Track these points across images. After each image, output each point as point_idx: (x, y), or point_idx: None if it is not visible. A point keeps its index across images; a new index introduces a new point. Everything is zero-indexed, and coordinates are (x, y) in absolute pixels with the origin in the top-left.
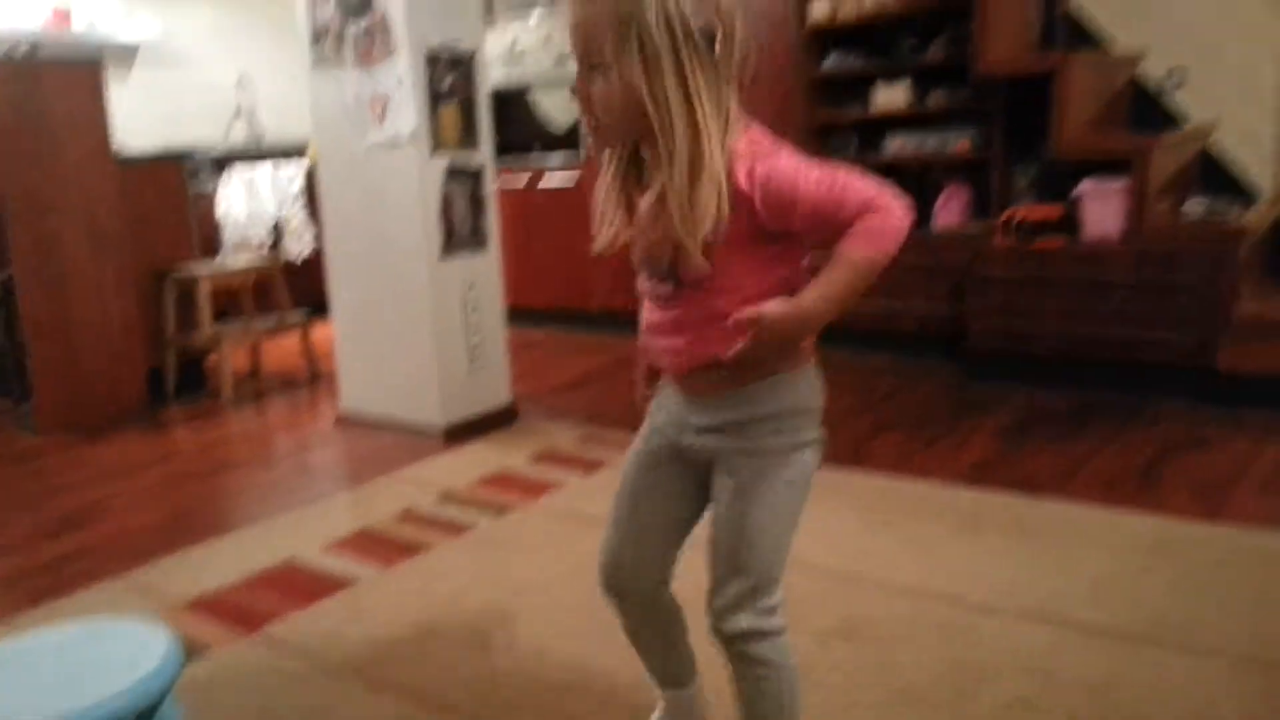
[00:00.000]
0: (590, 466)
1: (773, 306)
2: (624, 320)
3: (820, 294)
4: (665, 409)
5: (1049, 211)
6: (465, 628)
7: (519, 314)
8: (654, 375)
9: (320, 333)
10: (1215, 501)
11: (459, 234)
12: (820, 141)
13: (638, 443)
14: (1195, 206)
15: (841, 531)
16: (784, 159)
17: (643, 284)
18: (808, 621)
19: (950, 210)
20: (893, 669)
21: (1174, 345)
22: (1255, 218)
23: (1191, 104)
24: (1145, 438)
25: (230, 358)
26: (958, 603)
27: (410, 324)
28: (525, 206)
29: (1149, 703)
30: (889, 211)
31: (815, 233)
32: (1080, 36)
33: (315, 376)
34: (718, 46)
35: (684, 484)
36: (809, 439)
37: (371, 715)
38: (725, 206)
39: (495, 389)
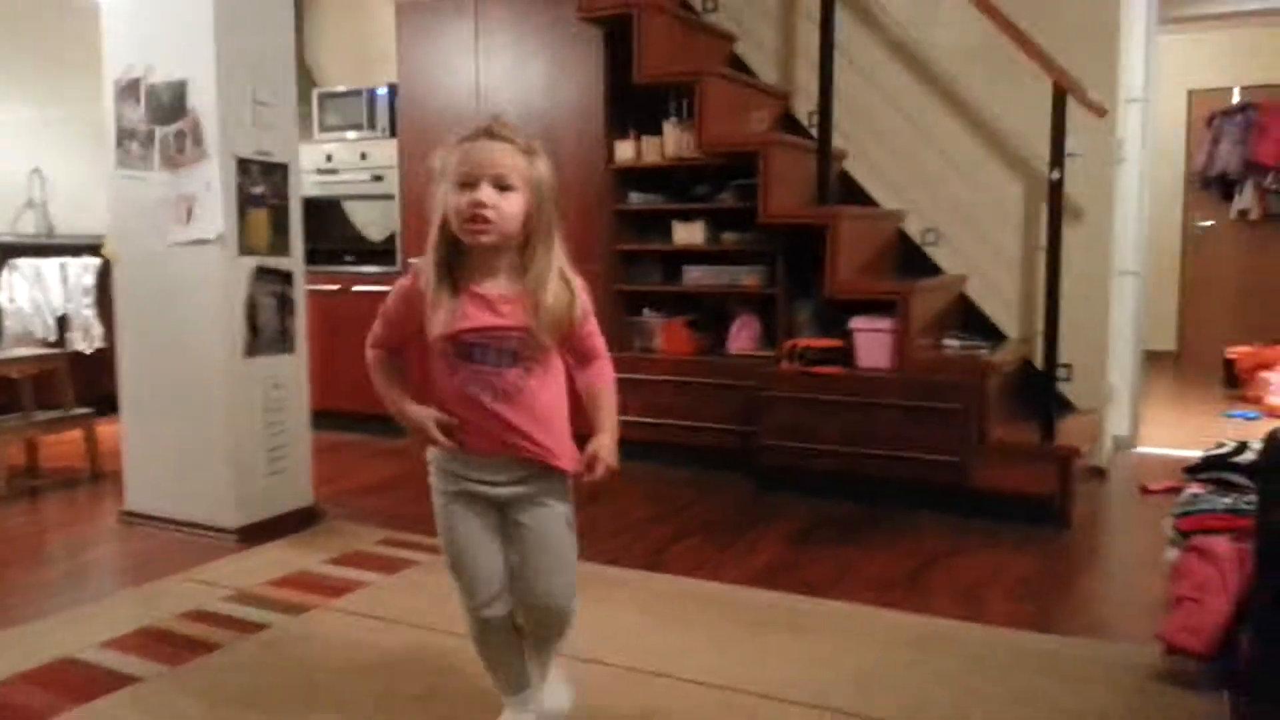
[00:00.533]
0: (393, 566)
1: (605, 443)
2: None
3: (614, 421)
4: (459, 467)
5: (828, 343)
6: None
7: (328, 416)
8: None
9: (106, 430)
10: (973, 604)
11: (265, 334)
12: (625, 269)
13: (444, 499)
14: (952, 343)
15: (640, 629)
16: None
17: (461, 370)
18: (608, 712)
19: (743, 338)
20: None
21: (935, 464)
22: (1004, 355)
23: (950, 257)
24: (912, 545)
25: (4, 453)
26: (741, 693)
27: (208, 422)
28: (338, 310)
29: None
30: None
31: (575, 353)
32: (854, 195)
33: (98, 475)
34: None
35: (494, 522)
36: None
37: None
38: (576, 312)
39: (296, 490)
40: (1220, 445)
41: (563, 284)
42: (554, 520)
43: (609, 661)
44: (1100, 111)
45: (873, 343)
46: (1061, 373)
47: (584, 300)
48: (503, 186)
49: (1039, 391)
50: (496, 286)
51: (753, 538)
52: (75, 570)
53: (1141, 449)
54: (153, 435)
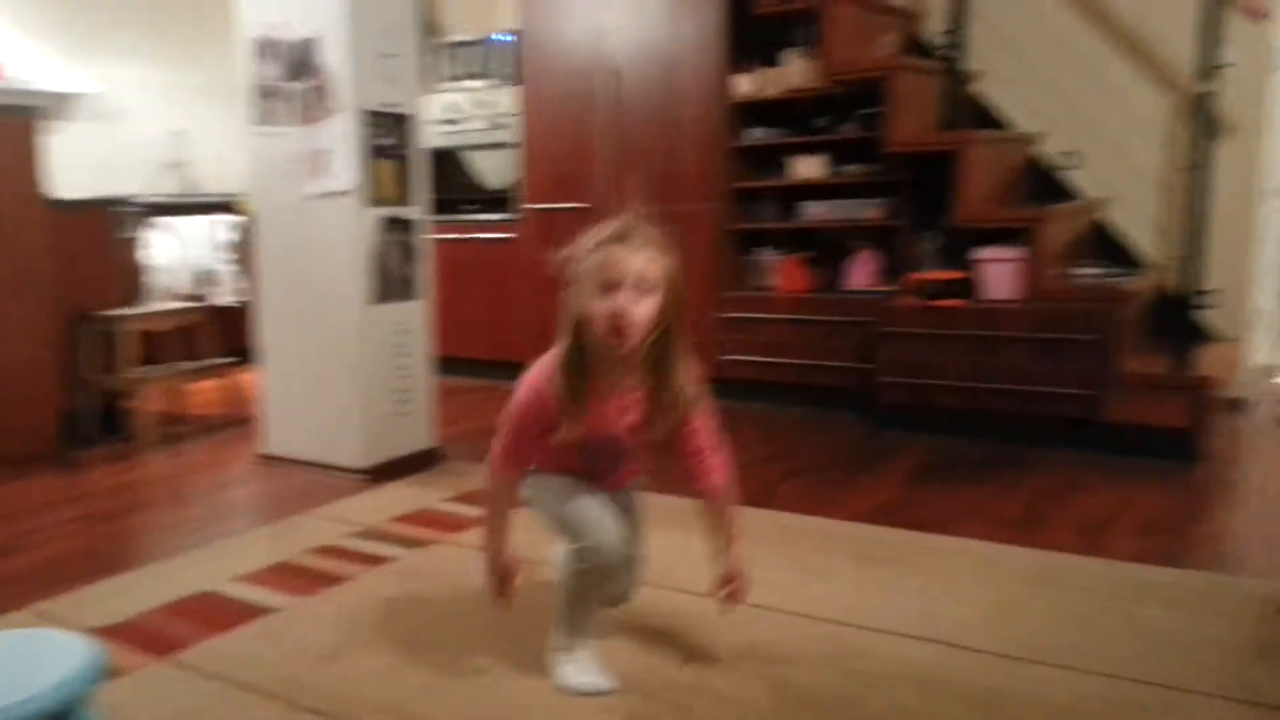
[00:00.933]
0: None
1: (741, 558)
2: None
3: (740, 527)
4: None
5: (952, 275)
6: (384, 652)
7: (450, 363)
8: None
9: (245, 380)
10: (1094, 539)
11: (390, 282)
12: (742, 206)
13: (560, 478)
14: (1087, 272)
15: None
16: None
17: (582, 458)
18: (712, 644)
19: (862, 273)
20: (787, 682)
21: (1064, 398)
22: (1141, 284)
23: (1086, 182)
24: (1036, 482)
25: (151, 401)
26: (850, 625)
27: (339, 368)
28: (459, 259)
29: (1028, 712)
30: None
31: (691, 442)
32: (983, 120)
33: (239, 421)
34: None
35: None
36: None
37: (280, 716)
38: (697, 404)
39: (420, 432)
40: None
41: (688, 378)
42: (642, 501)
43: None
44: (1259, 14)
45: (1000, 274)
46: (1203, 299)
47: (701, 389)
48: (643, 290)
49: (1178, 320)
50: (624, 388)
51: (867, 477)
52: (214, 509)
53: None
54: (288, 382)
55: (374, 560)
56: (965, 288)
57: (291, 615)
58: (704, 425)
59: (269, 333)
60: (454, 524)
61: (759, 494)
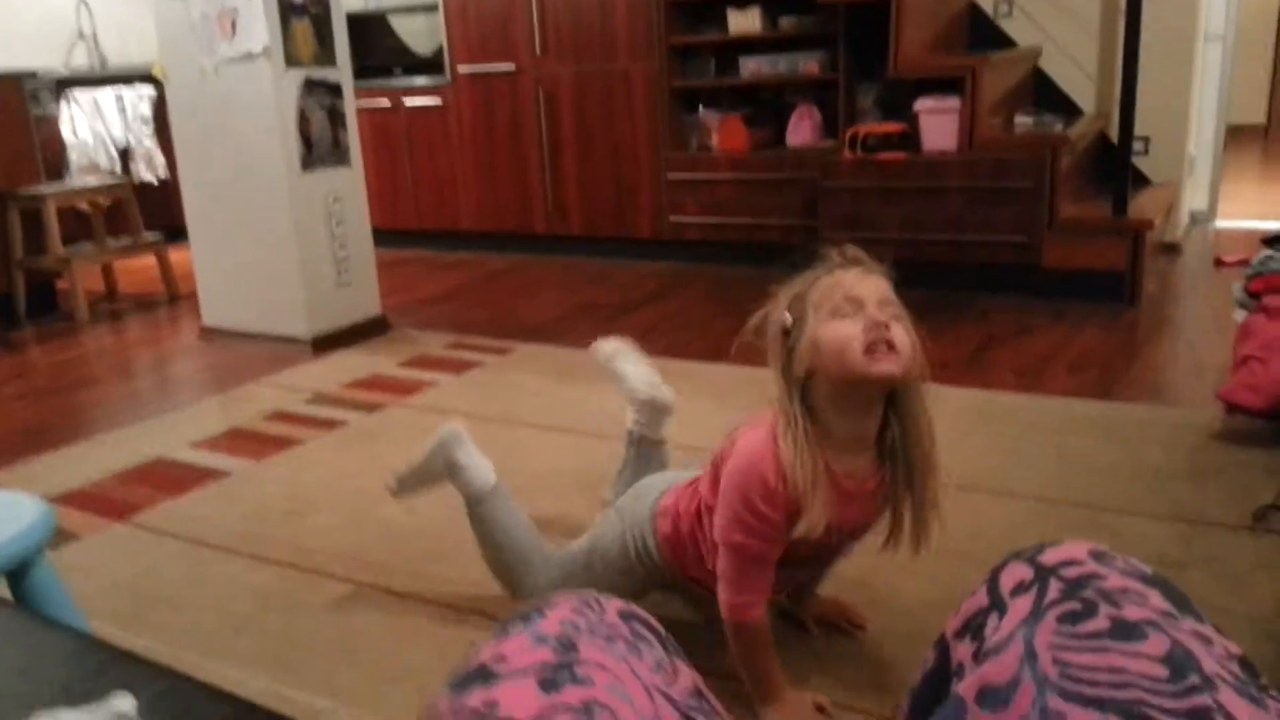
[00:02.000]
0: (461, 367)
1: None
2: (490, 238)
3: None
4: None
5: (891, 128)
6: (339, 508)
7: (385, 234)
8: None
9: (177, 257)
10: (1032, 379)
11: (319, 148)
12: (680, 62)
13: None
14: (1024, 120)
15: (705, 413)
16: None
17: (794, 564)
18: None
19: (802, 129)
20: None
21: (1004, 245)
22: (1078, 130)
23: (1023, 28)
24: (977, 327)
25: (82, 279)
26: None
27: (273, 238)
28: (389, 127)
29: (965, 535)
30: None
31: None
32: None
33: (174, 297)
34: None
35: None
36: None
37: (252, 583)
38: None
39: (364, 301)
40: None
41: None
42: None
43: (679, 442)
44: None
45: (938, 125)
46: (1138, 146)
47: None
48: (894, 315)
49: (1114, 167)
50: (863, 462)
51: None
52: (162, 382)
53: (1220, 223)
54: (222, 254)
55: (327, 424)
56: (905, 140)
57: (247, 477)
58: None
59: (195, 206)
60: (405, 387)
61: (712, 350)
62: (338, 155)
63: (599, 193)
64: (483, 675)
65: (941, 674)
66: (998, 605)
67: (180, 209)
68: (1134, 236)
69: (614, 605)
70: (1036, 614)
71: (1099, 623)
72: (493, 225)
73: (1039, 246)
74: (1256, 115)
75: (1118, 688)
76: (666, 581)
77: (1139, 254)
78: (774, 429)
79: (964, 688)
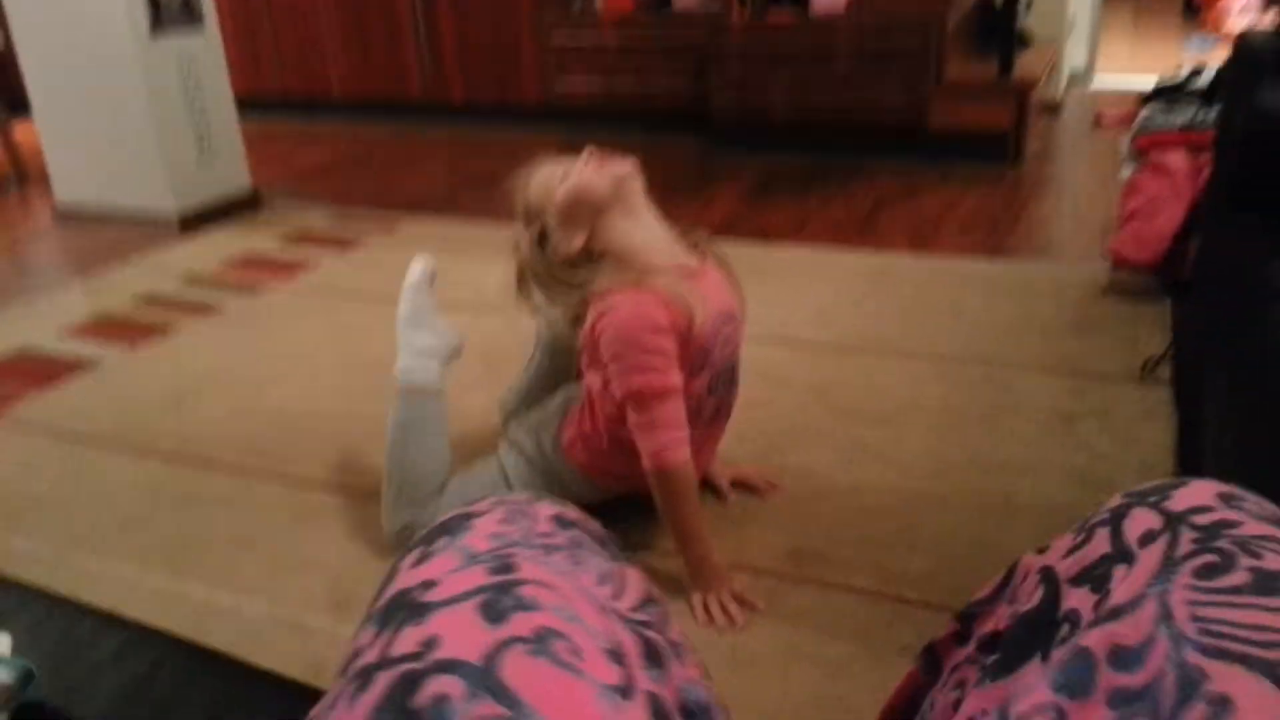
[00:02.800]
0: (345, 245)
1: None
2: (366, 108)
3: None
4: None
5: None
6: (224, 397)
7: (250, 103)
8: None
9: (23, 133)
10: (922, 240)
11: (168, 9)
12: None
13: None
14: None
15: None
16: None
17: (705, 396)
18: None
19: None
20: None
21: (891, 108)
22: None
23: None
24: (866, 191)
25: None
26: None
27: (125, 109)
28: None
29: (866, 396)
30: None
31: None
32: None
33: (22, 176)
34: None
35: None
36: None
37: (137, 477)
38: None
39: (233, 175)
40: (1176, 72)
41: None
42: None
43: None
44: None
45: None
46: (1024, 4)
47: None
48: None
49: (997, 25)
50: (683, 249)
51: (708, 193)
52: (20, 266)
53: (1098, 83)
54: (71, 129)
55: (203, 308)
56: (795, 1)
57: (122, 367)
58: None
59: (38, 78)
60: (285, 267)
61: None
62: (189, 16)
63: (479, 56)
64: (410, 607)
65: (1047, 616)
66: (1124, 555)
67: (21, 80)
68: (1019, 97)
69: (544, 510)
70: (1169, 568)
71: (1239, 576)
72: (366, 92)
73: (925, 109)
74: None
75: (1265, 647)
76: (591, 499)
77: (1023, 114)
78: (610, 295)
79: (1093, 643)
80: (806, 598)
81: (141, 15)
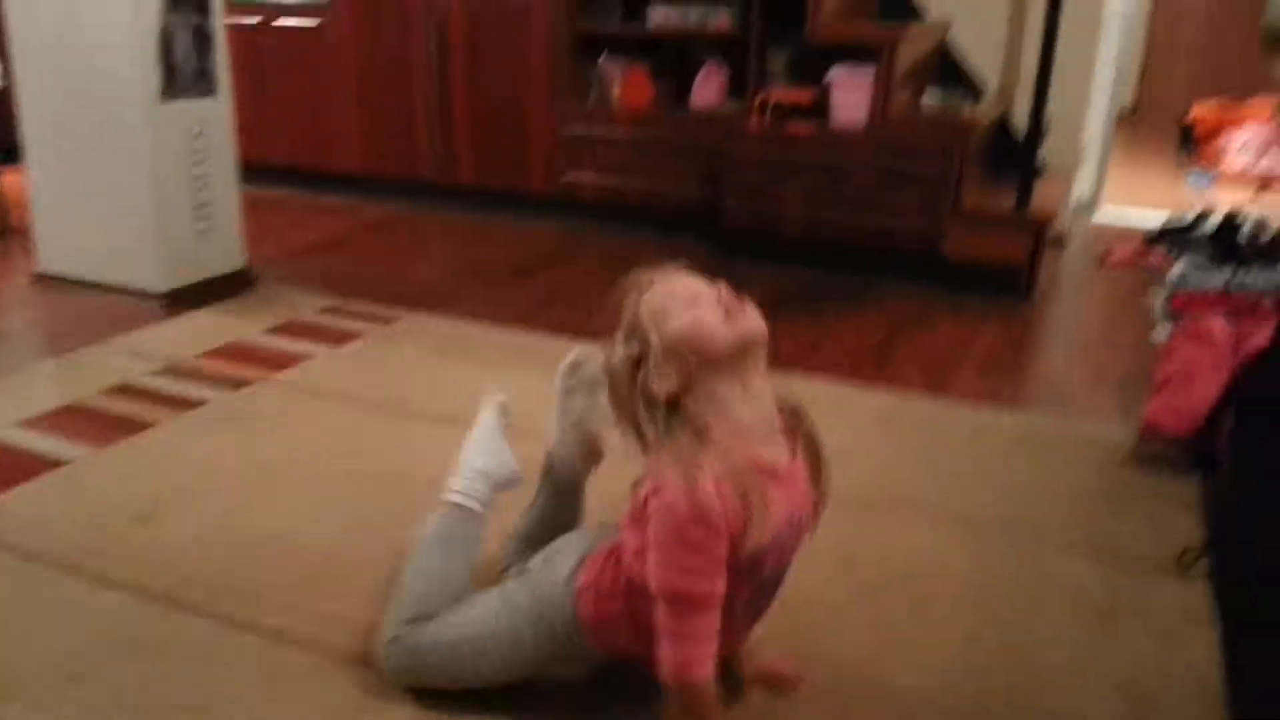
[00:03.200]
0: (339, 338)
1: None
2: (370, 182)
3: None
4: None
5: (801, 96)
6: (198, 514)
7: (252, 171)
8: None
9: (12, 181)
10: (940, 379)
11: (182, 74)
12: (582, 7)
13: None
14: (932, 97)
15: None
16: None
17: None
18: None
19: (708, 89)
20: None
21: (907, 231)
22: (984, 111)
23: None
24: (879, 317)
25: None
26: None
27: (126, 174)
28: (258, 49)
29: (894, 568)
30: None
31: None
32: None
33: (6, 230)
34: None
35: None
36: None
37: (93, 611)
38: None
39: (227, 251)
40: (1181, 212)
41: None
42: None
43: None
44: None
45: (850, 96)
46: (1042, 131)
47: None
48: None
49: (1013, 151)
50: (780, 444)
51: None
52: None
53: (1099, 216)
54: (65, 188)
55: (183, 403)
56: (814, 110)
57: (88, 469)
58: None
59: (34, 127)
60: (275, 360)
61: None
62: (203, 84)
63: (491, 140)
64: None
65: None
66: None
67: (16, 123)
68: (1035, 230)
69: None
70: None
71: None
72: (374, 168)
73: (941, 234)
74: (1123, 96)
75: None
76: (581, 660)
77: (1039, 249)
78: (670, 469)
79: None
80: None
81: (154, 76)
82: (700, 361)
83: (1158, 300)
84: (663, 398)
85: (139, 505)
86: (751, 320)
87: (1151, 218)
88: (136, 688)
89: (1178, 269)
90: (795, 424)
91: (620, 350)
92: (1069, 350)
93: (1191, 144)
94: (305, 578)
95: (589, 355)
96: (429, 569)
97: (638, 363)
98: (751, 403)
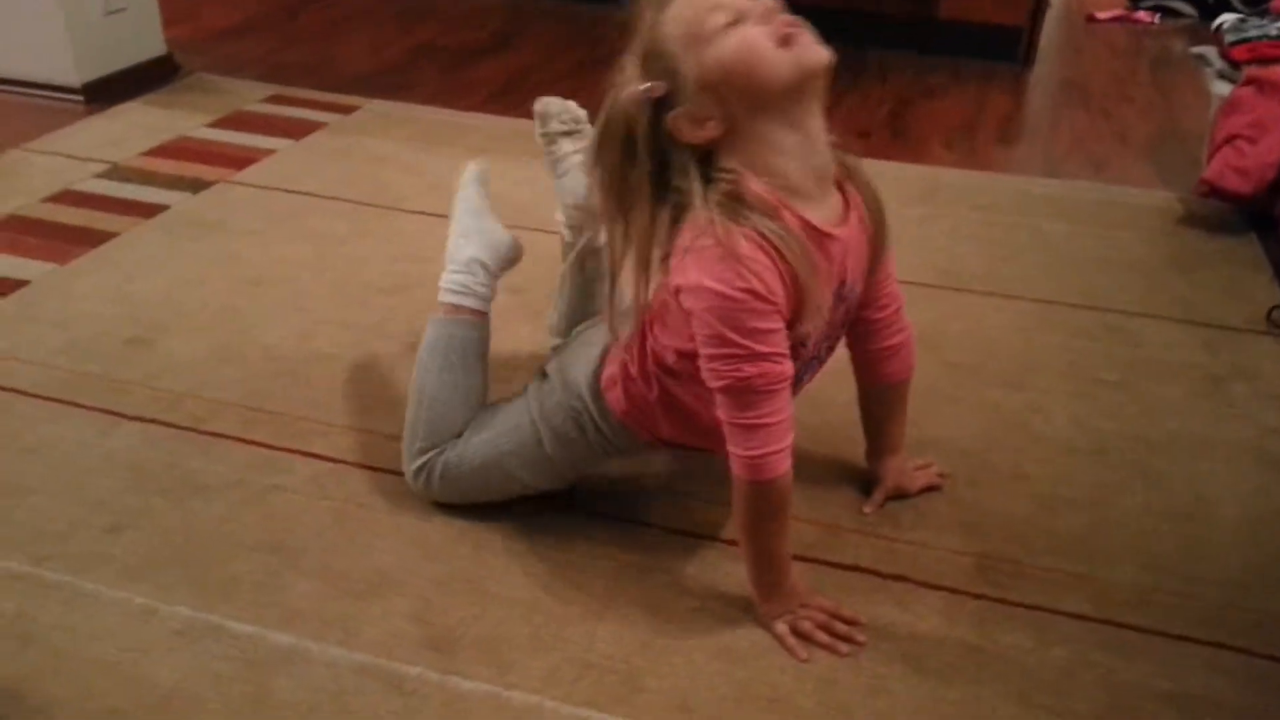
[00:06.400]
0: (296, 130)
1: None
2: None
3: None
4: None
5: None
6: (199, 330)
7: None
8: None
9: None
10: (965, 151)
11: None
12: None
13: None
14: None
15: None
16: None
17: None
18: None
19: None
20: None
21: None
22: None
23: None
24: (881, 89)
25: None
26: None
27: None
28: None
29: (980, 349)
30: None
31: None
32: None
33: None
34: None
35: None
36: None
37: (112, 449)
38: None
39: (144, 35)
40: None
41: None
42: None
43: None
44: None
45: None
46: None
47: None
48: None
49: None
50: (835, 199)
51: None
52: None
53: None
54: None
55: (140, 208)
56: None
57: (55, 288)
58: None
59: None
60: (233, 157)
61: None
62: None
63: None
64: None
65: None
66: None
67: None
68: None
69: None
70: None
71: None
72: None
73: None
74: None
75: None
76: (631, 450)
77: (1040, 8)
78: (716, 234)
79: None
80: (1018, 628)
81: None
82: (753, 96)
83: (1210, 53)
84: (694, 142)
85: (128, 326)
86: (812, 46)
87: None
88: (188, 531)
89: (1229, 18)
90: (848, 178)
91: (636, 85)
92: (1088, 112)
93: None
94: (333, 395)
95: (558, 106)
96: (434, 392)
97: (663, 102)
98: (806, 150)
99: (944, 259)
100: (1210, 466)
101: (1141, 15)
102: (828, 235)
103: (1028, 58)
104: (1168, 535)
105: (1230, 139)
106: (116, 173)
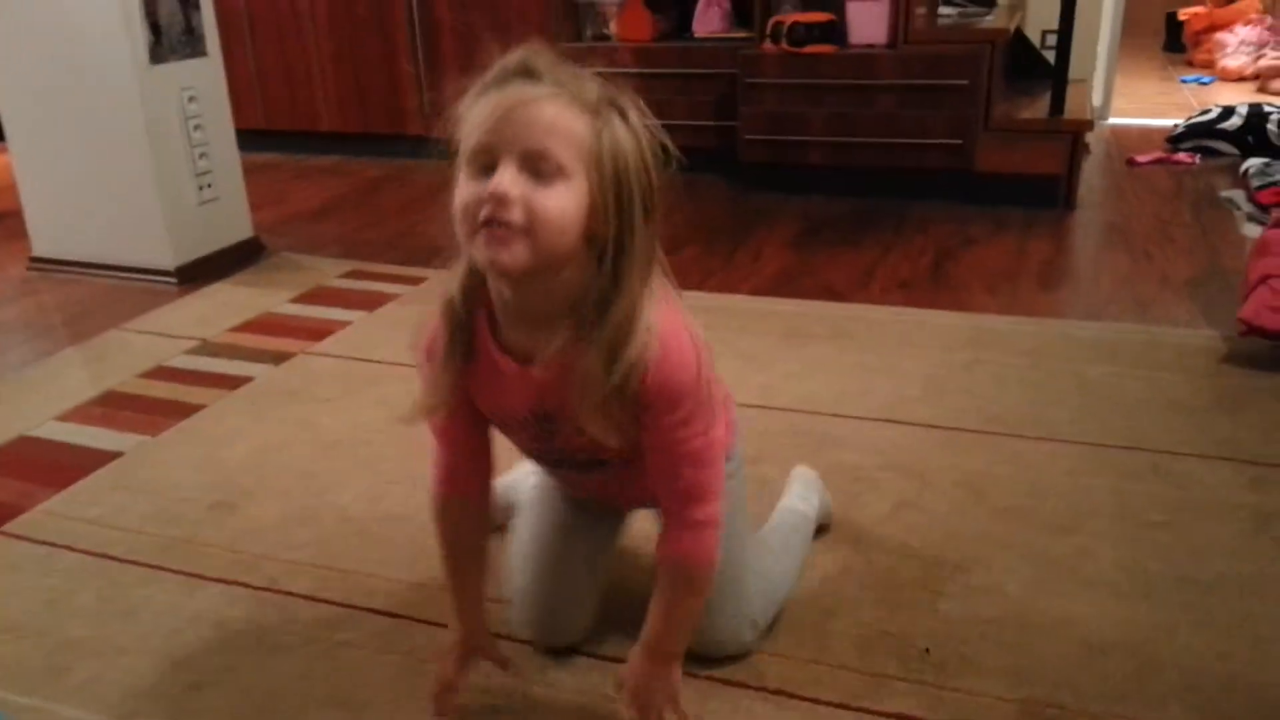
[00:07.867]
0: (370, 302)
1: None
2: (357, 142)
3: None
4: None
5: (818, 17)
6: (280, 495)
7: (245, 135)
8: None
9: None
10: (1007, 297)
11: (169, 35)
12: None
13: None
14: (947, 12)
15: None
16: None
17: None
18: None
19: (710, 17)
20: (763, 479)
21: (936, 148)
22: (999, 23)
23: None
24: (923, 240)
25: None
26: (799, 413)
27: (120, 145)
28: (223, 6)
29: (1026, 494)
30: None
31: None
32: None
33: None
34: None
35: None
36: None
37: (195, 611)
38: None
39: (233, 221)
40: (1204, 112)
41: (647, 339)
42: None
43: None
44: None
45: (868, 14)
46: (1049, 40)
47: (680, 370)
48: (540, 172)
49: (1028, 62)
50: (545, 343)
51: (754, 244)
52: None
53: (1112, 120)
54: (53, 164)
55: (227, 381)
56: (832, 31)
57: (146, 458)
58: (692, 433)
59: (13, 101)
60: (311, 330)
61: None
62: (192, 43)
63: None
64: None
65: None
66: None
67: None
68: (1073, 138)
69: None
70: None
71: None
72: (358, 126)
73: (973, 149)
74: None
75: None
76: None
77: (1076, 156)
78: (657, 321)
79: None
80: None
81: (141, 39)
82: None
83: (1239, 197)
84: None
85: (213, 493)
86: (494, 252)
87: (1161, 121)
88: (267, 689)
89: (1254, 163)
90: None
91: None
92: (1127, 257)
93: (1177, 47)
94: (409, 559)
95: None
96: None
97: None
98: (513, 301)
99: (990, 405)
100: (1259, 606)
101: (1182, 156)
102: (503, 358)
103: (1068, 203)
104: (1216, 677)
105: (1264, 279)
106: (205, 348)
